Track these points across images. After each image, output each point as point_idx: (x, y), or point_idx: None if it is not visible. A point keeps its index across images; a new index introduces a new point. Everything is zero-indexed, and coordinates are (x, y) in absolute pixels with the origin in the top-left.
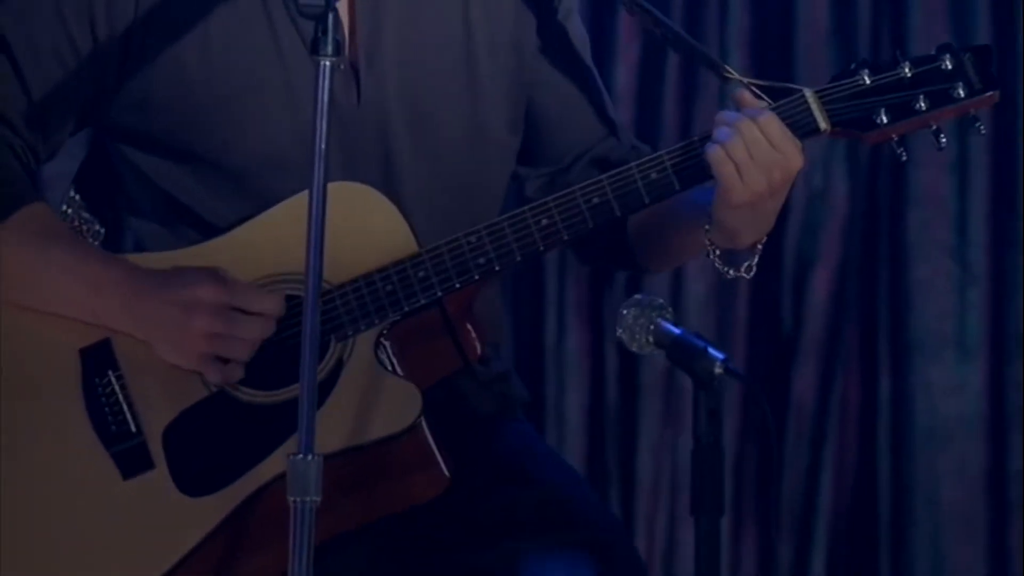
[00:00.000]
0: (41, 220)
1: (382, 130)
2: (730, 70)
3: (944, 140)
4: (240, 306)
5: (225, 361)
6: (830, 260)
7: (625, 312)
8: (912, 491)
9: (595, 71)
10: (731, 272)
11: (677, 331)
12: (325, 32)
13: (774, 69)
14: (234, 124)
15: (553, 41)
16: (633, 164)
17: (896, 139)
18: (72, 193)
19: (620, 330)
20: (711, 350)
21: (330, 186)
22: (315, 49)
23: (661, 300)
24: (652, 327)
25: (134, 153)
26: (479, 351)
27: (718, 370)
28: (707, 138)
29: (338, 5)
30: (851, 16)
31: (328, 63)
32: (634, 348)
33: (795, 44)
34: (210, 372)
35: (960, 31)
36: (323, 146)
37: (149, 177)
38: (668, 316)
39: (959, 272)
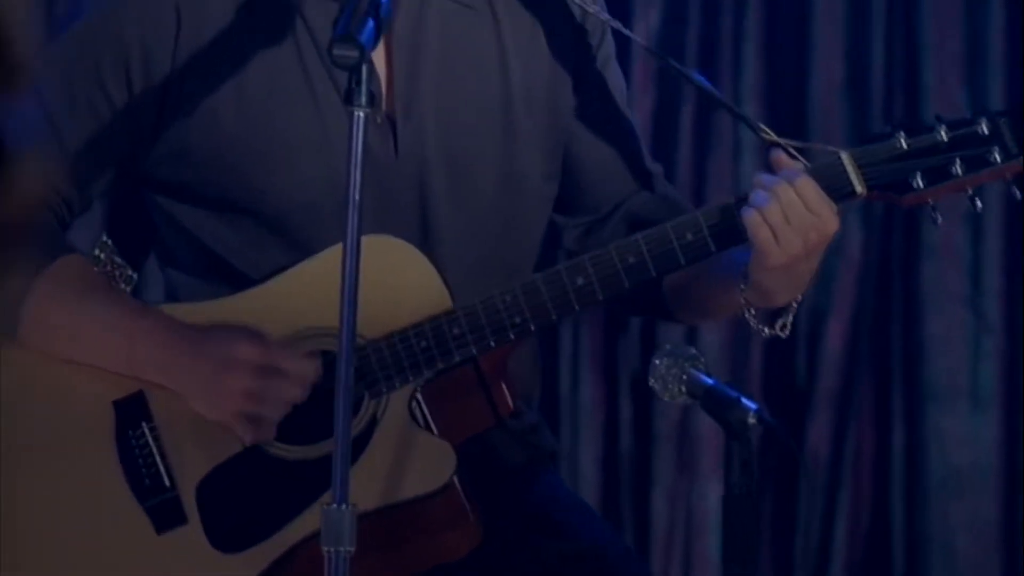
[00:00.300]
0: (77, 272)
1: (419, 183)
2: (767, 130)
3: (980, 205)
4: (277, 367)
5: (258, 420)
6: (844, 311)
7: (658, 362)
8: (926, 541)
9: (633, 119)
10: (766, 331)
11: (710, 381)
12: (359, 83)
13: (787, 121)
14: (270, 175)
15: (591, 90)
16: (668, 225)
17: (932, 203)
18: (104, 238)
19: (652, 380)
20: (744, 400)
21: (365, 240)
22: (349, 99)
23: (693, 350)
24: (685, 377)
25: (169, 203)
26: (512, 407)
27: (751, 420)
28: (743, 200)
29: (374, 56)
30: (865, 70)
31: (362, 113)
32: (666, 398)
33: (809, 97)
34: (243, 430)
35: (974, 85)
36: (357, 197)
37: (184, 226)
38: (700, 366)
39: (973, 322)
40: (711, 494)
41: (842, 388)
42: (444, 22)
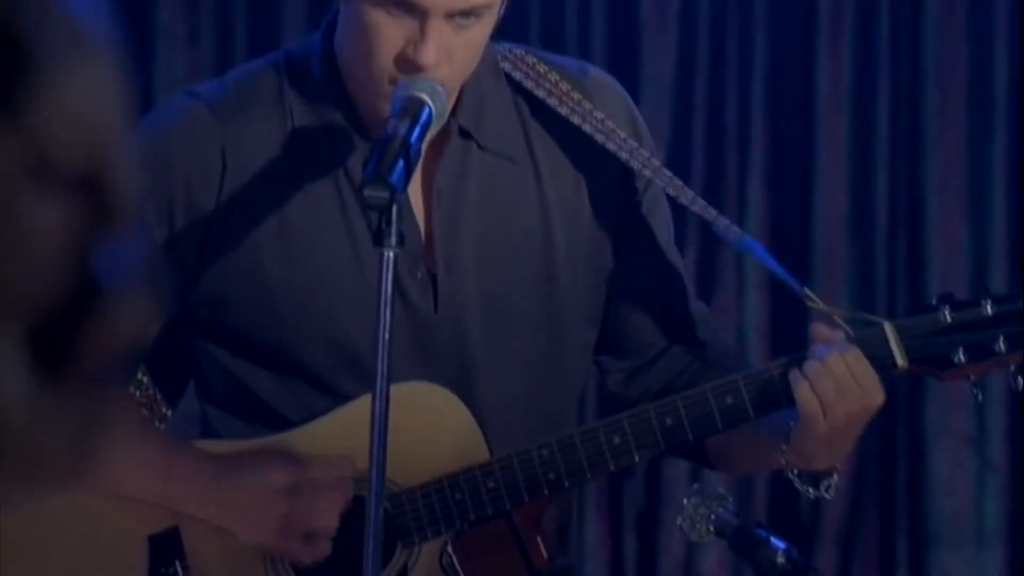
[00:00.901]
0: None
1: (460, 336)
2: (813, 297)
3: (1022, 381)
4: (313, 480)
5: (311, 536)
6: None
7: (686, 502)
8: None
9: (679, 261)
10: (811, 491)
11: (737, 521)
12: (389, 223)
13: (792, 254)
14: (309, 321)
15: (636, 238)
16: (708, 387)
17: (973, 379)
18: (140, 375)
19: (681, 519)
20: (773, 539)
21: (404, 387)
22: (378, 240)
23: (721, 490)
24: (713, 517)
25: (208, 344)
26: (547, 559)
27: (780, 560)
28: (784, 371)
29: (414, 210)
30: (869, 205)
31: (391, 253)
32: (694, 537)
33: (813, 230)
34: (299, 552)
35: (977, 222)
36: (387, 337)
37: (223, 365)
38: (728, 506)
39: (978, 462)
40: None
41: (847, 526)
42: (486, 176)
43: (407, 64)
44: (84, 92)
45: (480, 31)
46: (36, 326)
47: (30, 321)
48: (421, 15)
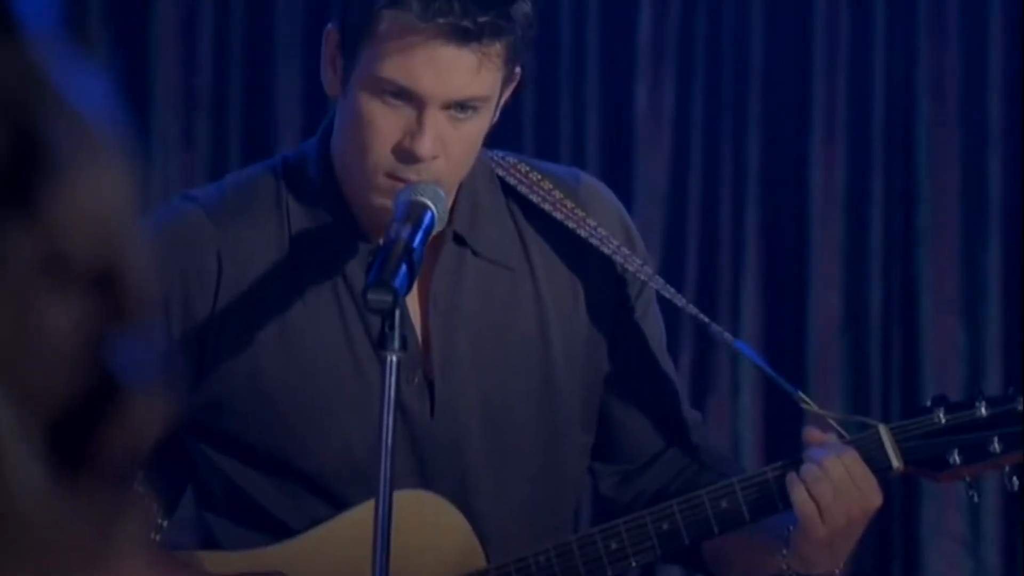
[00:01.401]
0: None
1: (456, 442)
2: (807, 400)
3: (1017, 482)
4: None
5: None
6: None
7: None
8: None
9: (671, 366)
10: None
11: None
12: (392, 327)
13: (785, 355)
14: (309, 428)
15: (628, 343)
16: (704, 491)
17: (968, 480)
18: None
19: None
20: None
21: (400, 495)
22: (382, 344)
23: None
24: None
25: (207, 449)
26: None
27: None
28: (781, 474)
29: (412, 316)
30: (863, 305)
31: (394, 358)
32: None
33: (807, 331)
34: None
35: (971, 321)
36: (390, 442)
37: (223, 471)
38: None
39: (972, 565)
40: None
41: None
42: (481, 282)
43: (404, 155)
44: (98, 189)
45: (476, 125)
46: (52, 423)
47: (46, 418)
48: (418, 105)
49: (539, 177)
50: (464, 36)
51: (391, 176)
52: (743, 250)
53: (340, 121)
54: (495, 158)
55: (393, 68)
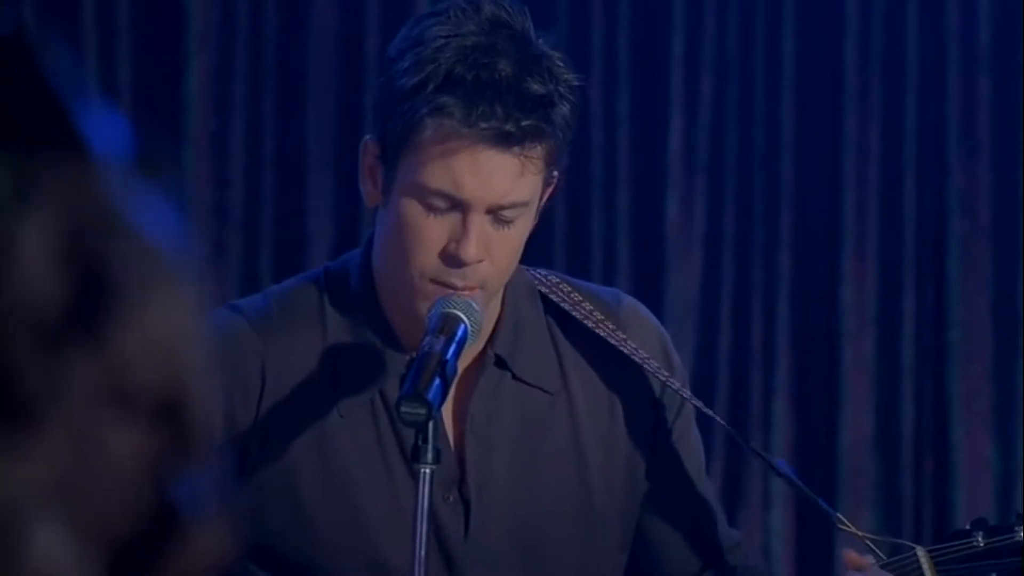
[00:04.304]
0: None
1: (490, 565)
2: (845, 521)
3: None
4: None
5: None
6: None
7: None
8: None
9: (710, 489)
10: None
11: None
12: (426, 440)
13: (817, 474)
14: (344, 541)
15: (667, 466)
16: None
17: None
18: None
19: None
20: None
21: None
22: (415, 457)
23: None
24: None
25: (243, 561)
26: None
27: None
28: None
29: (448, 436)
30: (894, 424)
31: (428, 470)
32: None
33: (839, 450)
34: None
35: (1002, 441)
36: (422, 553)
37: None
38: None
39: None
40: None
41: None
42: (519, 405)
43: (450, 260)
44: (165, 321)
45: (519, 229)
46: (114, 554)
47: (108, 548)
48: (463, 210)
49: (580, 297)
50: (507, 140)
51: (436, 282)
52: (774, 365)
53: (382, 230)
54: (537, 276)
55: (436, 175)
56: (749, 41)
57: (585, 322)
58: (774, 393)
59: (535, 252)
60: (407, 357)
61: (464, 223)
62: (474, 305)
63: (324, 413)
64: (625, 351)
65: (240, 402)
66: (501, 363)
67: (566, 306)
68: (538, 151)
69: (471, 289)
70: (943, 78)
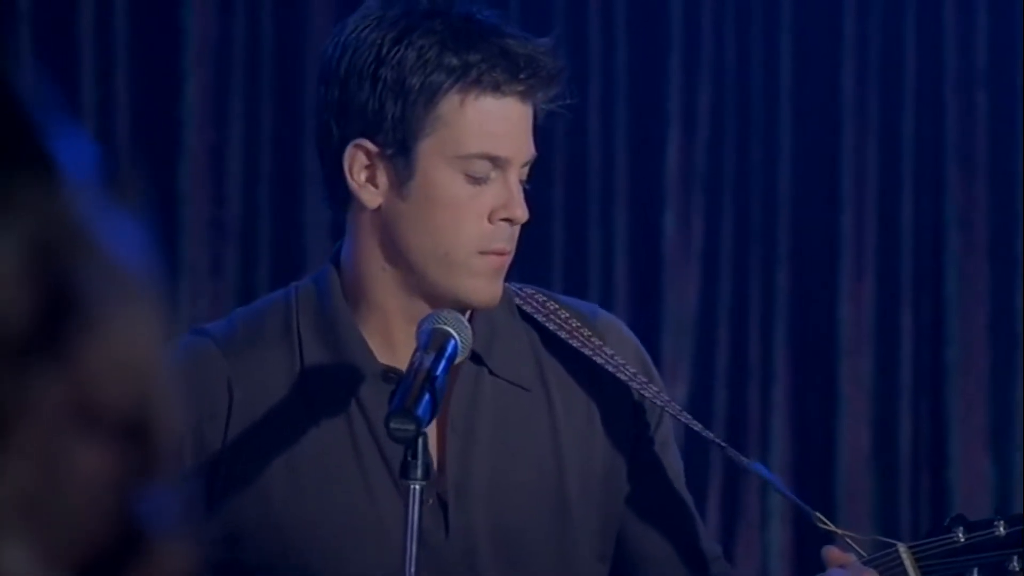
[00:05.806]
0: None
1: (469, 564)
2: (824, 520)
3: None
4: None
5: None
6: None
7: None
8: None
9: (689, 499)
10: None
11: None
12: (415, 456)
13: (815, 490)
14: (321, 556)
15: (646, 474)
16: None
17: None
18: None
19: None
20: None
21: None
22: (405, 473)
23: None
24: None
25: None
26: None
27: None
28: None
29: (431, 440)
30: (891, 439)
31: (418, 487)
32: None
33: (836, 466)
34: None
35: (999, 456)
36: (413, 570)
37: None
38: None
39: None
40: None
41: None
42: (498, 403)
43: (499, 226)
44: (130, 338)
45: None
46: (80, 570)
47: (75, 565)
48: (504, 169)
49: (556, 307)
50: (527, 94)
51: (485, 252)
52: (772, 381)
53: (400, 228)
54: (512, 288)
55: (474, 139)
56: (746, 57)
57: (560, 331)
58: (772, 409)
59: (532, 268)
60: (382, 366)
61: (507, 184)
62: (464, 320)
63: (297, 428)
64: (601, 357)
65: (207, 422)
66: (477, 359)
67: (540, 316)
68: (535, 105)
69: (509, 254)
70: (940, 94)
